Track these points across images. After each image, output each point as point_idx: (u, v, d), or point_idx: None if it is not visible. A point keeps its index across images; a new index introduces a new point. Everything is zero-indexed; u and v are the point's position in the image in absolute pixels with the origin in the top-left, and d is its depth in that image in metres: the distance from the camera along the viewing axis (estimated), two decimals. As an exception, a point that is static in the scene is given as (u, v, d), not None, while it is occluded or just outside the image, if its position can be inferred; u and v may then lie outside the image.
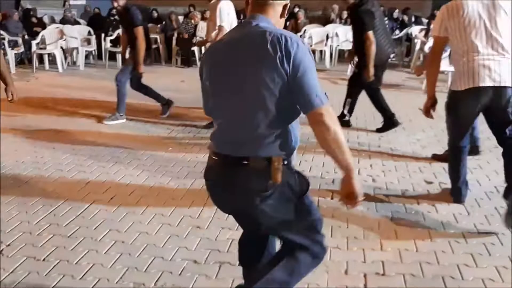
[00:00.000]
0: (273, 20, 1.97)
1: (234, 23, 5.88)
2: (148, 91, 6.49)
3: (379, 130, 5.87)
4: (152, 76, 10.04)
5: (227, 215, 3.56)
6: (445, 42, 3.54)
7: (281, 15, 2.02)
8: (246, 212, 2.01)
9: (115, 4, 6.08)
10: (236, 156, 1.91)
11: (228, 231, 3.36)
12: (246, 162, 1.88)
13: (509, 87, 3.37)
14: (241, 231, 3.30)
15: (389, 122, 5.83)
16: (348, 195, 1.91)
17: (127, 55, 6.47)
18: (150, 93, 6.51)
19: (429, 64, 3.79)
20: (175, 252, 3.10)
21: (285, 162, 1.91)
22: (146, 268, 2.91)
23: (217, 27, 5.77)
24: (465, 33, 3.37)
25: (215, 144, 2.02)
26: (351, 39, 10.00)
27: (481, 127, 5.09)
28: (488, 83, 3.34)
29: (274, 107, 1.84)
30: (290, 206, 1.98)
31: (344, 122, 5.99)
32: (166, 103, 6.60)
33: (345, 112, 6.08)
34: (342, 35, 11.37)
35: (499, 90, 3.37)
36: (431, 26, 4.05)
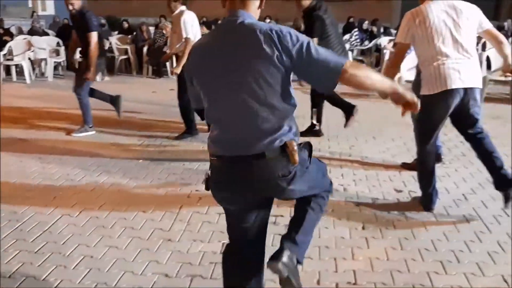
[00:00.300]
0: (253, 14, 2.04)
1: (198, 34, 5.88)
2: (96, 94, 6.37)
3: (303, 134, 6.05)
4: (123, 87, 10.00)
5: (199, 227, 3.57)
6: (408, 48, 3.65)
7: (259, 7, 2.09)
8: (276, 197, 2.14)
9: (70, 7, 5.83)
10: (251, 154, 1.96)
11: (200, 243, 3.33)
12: (263, 156, 1.95)
13: (476, 88, 3.56)
14: (212, 243, 3.28)
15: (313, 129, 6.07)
16: (405, 105, 2.09)
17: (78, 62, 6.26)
18: (97, 96, 6.39)
19: (391, 66, 3.85)
20: (146, 266, 3.05)
21: (296, 143, 2.01)
22: (116, 283, 2.86)
23: (184, 39, 5.75)
24: (433, 40, 3.48)
25: (221, 147, 2.02)
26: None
27: (450, 134, 5.20)
28: (459, 85, 3.48)
29: (278, 102, 1.94)
30: (309, 173, 2.12)
31: (315, 132, 6.04)
32: (114, 101, 6.49)
33: (314, 122, 6.13)
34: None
35: (468, 91, 3.53)
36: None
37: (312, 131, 6.08)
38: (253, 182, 2.02)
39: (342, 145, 5.77)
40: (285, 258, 2.15)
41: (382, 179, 4.61)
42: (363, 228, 3.60)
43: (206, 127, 6.22)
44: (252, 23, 1.96)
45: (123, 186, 4.41)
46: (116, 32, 13.72)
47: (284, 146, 1.96)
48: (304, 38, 1.93)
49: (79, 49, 6.26)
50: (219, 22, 2.10)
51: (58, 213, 3.82)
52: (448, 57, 3.48)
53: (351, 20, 14.82)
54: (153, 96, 9.04)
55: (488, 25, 3.64)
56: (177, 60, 6.13)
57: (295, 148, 1.98)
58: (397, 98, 2.07)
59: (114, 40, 12.29)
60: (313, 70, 1.93)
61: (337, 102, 5.95)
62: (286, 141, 1.97)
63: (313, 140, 5.79)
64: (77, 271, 2.99)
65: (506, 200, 3.61)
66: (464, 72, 3.49)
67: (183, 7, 5.86)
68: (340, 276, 2.95)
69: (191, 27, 5.77)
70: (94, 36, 5.90)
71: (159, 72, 11.53)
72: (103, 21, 14.16)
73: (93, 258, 3.14)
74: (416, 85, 4.49)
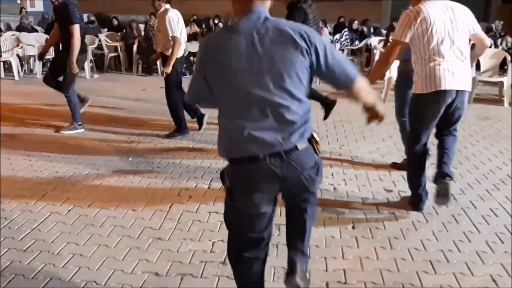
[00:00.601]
0: (267, 11, 2.07)
1: (184, 33, 5.87)
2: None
3: None
4: (113, 84, 9.95)
5: (189, 226, 3.56)
6: (404, 47, 3.64)
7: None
8: (302, 187, 2.12)
9: None
10: (285, 149, 1.99)
11: (190, 242, 3.32)
12: (296, 148, 2.01)
13: (467, 91, 3.64)
14: (202, 242, 3.28)
15: None
16: (373, 116, 2.33)
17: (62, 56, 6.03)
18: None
19: (382, 62, 3.84)
20: (136, 264, 3.04)
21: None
22: (105, 282, 2.84)
23: (170, 38, 5.73)
24: (432, 41, 3.50)
25: (249, 145, 1.97)
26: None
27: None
28: (452, 86, 3.53)
29: (304, 96, 2.02)
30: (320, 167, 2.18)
31: None
32: (82, 100, 6.44)
33: None
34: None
35: (460, 93, 3.59)
36: (390, 38, 4.12)
37: None
38: (286, 177, 2.02)
39: (333, 145, 5.78)
40: (299, 271, 2.25)
41: (372, 179, 4.63)
42: (353, 227, 3.61)
43: (197, 126, 6.21)
44: (278, 20, 2.02)
45: (113, 184, 4.39)
46: (106, 29, 13.64)
47: (310, 138, 2.06)
48: (327, 40, 1.99)
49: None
50: (233, 20, 2.06)
51: (47, 211, 3.79)
52: (444, 59, 3.51)
53: (342, 20, 14.85)
54: (143, 94, 8.99)
55: (478, 29, 3.71)
56: (163, 60, 6.10)
57: (318, 141, 2.09)
58: (371, 110, 2.29)
59: (103, 37, 12.21)
60: (334, 70, 2.04)
61: (317, 96, 6.00)
62: (312, 134, 2.07)
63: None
64: (67, 269, 2.97)
65: (438, 194, 3.65)
66: (457, 74, 3.53)
67: (168, 5, 5.83)
68: (330, 275, 2.96)
69: (177, 25, 5.74)
70: (76, 29, 5.81)
71: (149, 69, 11.48)
72: (92, 18, 14.05)
73: (83, 257, 3.12)
74: (403, 79, 4.53)
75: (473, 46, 3.95)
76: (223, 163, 2.40)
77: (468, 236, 3.48)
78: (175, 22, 5.72)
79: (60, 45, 6.18)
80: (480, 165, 5.07)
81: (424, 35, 3.50)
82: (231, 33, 2.01)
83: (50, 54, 11.18)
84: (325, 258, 3.15)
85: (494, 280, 2.92)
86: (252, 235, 2.20)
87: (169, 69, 5.73)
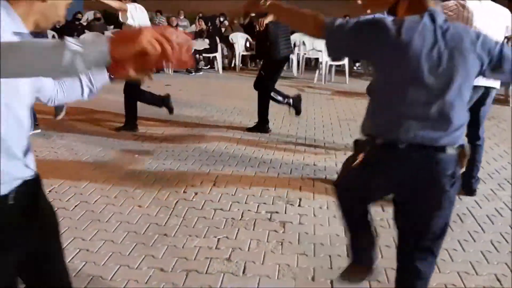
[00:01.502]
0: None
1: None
2: None
3: (249, 129, 6.20)
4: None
5: (194, 222, 3.57)
6: None
7: None
8: (431, 195, 2.05)
9: None
10: (434, 145, 1.97)
11: (195, 238, 3.34)
12: (443, 150, 1.97)
13: (495, 88, 3.93)
14: (207, 239, 3.29)
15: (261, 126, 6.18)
16: None
17: None
18: None
19: None
20: (141, 260, 3.06)
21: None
22: (111, 277, 2.86)
23: None
24: None
25: (401, 130, 1.98)
26: (318, 48, 10.15)
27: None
28: (482, 82, 3.66)
29: (467, 99, 2.02)
30: (453, 200, 2.10)
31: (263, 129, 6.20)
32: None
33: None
34: (309, 44, 11.50)
35: (489, 90, 3.90)
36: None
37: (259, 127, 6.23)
38: (422, 173, 2.01)
39: (338, 142, 5.79)
40: None
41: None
42: (358, 225, 3.61)
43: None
44: (458, 24, 2.05)
45: (119, 180, 4.40)
46: (112, 27, 13.66)
47: (460, 147, 2.01)
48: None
49: None
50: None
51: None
52: None
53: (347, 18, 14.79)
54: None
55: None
56: None
57: (468, 154, 2.04)
58: None
59: (109, 34, 12.21)
60: (502, 61, 2.00)
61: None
62: (463, 144, 2.03)
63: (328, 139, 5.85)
64: (73, 264, 2.98)
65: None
66: None
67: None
68: (335, 273, 2.96)
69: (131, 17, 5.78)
70: None
71: (155, 67, 11.47)
72: (98, 15, 14.12)
73: (89, 252, 3.14)
74: None
75: None
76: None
77: (473, 235, 3.49)
78: (130, 15, 5.78)
79: None
80: (485, 164, 5.06)
81: None
82: (423, 30, 2.01)
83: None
84: (329, 256, 3.16)
85: (498, 280, 2.93)
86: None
87: None
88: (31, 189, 1.56)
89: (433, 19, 1.96)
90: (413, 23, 1.95)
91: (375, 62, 2.10)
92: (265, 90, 6.03)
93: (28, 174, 1.53)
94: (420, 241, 2.15)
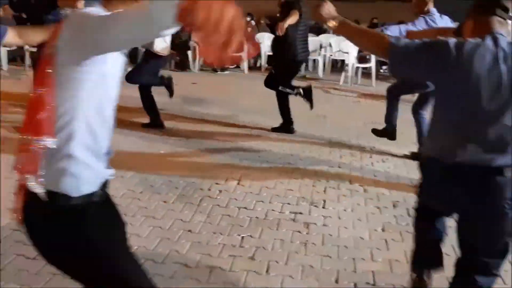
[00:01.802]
0: None
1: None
2: None
3: (274, 129, 6.17)
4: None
5: (218, 220, 3.59)
6: None
7: None
8: (490, 216, 2.08)
9: None
10: (492, 166, 2.01)
11: (219, 235, 3.36)
12: (500, 172, 2.01)
13: None
14: (231, 237, 3.31)
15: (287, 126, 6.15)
16: None
17: None
18: None
19: None
20: (167, 255, 3.09)
21: None
22: (136, 271, 2.89)
23: None
24: None
25: (466, 154, 2.03)
26: (344, 50, 10.08)
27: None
28: None
29: None
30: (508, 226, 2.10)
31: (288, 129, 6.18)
32: None
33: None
34: (335, 45, 11.44)
35: None
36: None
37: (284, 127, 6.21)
38: (483, 194, 2.04)
39: (363, 145, 5.75)
40: None
41: (404, 182, 4.59)
42: (382, 230, 3.59)
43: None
44: None
45: (144, 175, 4.44)
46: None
47: None
48: None
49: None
50: (477, 39, 2.04)
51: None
52: None
53: (375, 21, 14.70)
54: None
55: None
56: None
57: None
58: None
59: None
60: None
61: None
62: None
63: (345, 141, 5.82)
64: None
65: None
66: None
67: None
68: (358, 276, 2.96)
69: None
70: None
71: (182, 65, 11.55)
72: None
73: (115, 245, 3.18)
74: None
75: None
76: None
77: None
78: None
79: None
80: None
81: None
82: (492, 50, 2.04)
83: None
84: (353, 259, 3.15)
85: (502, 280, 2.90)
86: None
87: None
88: (107, 187, 1.69)
89: (495, 42, 1.96)
90: (474, 45, 1.96)
91: (437, 84, 2.12)
92: (275, 89, 6.05)
93: (109, 173, 1.62)
94: (479, 258, 2.18)
